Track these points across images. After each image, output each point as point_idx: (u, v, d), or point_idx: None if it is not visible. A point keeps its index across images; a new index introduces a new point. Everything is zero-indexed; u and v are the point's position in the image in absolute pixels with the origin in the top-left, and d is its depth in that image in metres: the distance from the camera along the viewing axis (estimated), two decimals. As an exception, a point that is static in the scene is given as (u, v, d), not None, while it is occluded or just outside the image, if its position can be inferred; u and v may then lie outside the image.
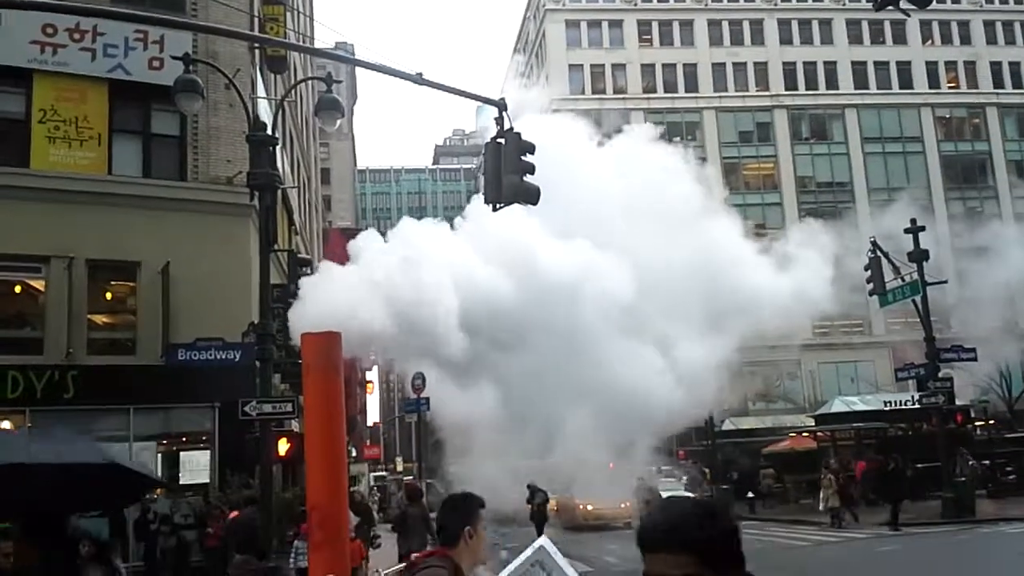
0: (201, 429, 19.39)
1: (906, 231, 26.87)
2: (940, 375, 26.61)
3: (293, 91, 28.81)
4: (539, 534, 21.13)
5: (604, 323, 18.76)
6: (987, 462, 30.50)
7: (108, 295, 19.99)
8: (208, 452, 19.19)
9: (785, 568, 17.42)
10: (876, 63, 61.52)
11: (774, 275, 21.69)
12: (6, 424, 18.12)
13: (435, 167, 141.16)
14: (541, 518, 25.42)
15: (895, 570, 17.13)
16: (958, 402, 31.05)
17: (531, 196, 12.73)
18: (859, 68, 61.38)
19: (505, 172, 12.62)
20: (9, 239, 17.95)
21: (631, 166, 21.24)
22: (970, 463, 27.63)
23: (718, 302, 20.79)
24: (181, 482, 19.48)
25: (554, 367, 18.20)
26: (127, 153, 19.95)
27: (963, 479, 25.57)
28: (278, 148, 17.20)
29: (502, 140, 12.88)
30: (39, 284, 18.74)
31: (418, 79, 13.57)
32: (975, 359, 28.74)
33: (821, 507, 26.89)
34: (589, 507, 30.70)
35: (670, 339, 20.29)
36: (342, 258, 17.24)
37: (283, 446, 17.09)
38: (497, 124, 13.37)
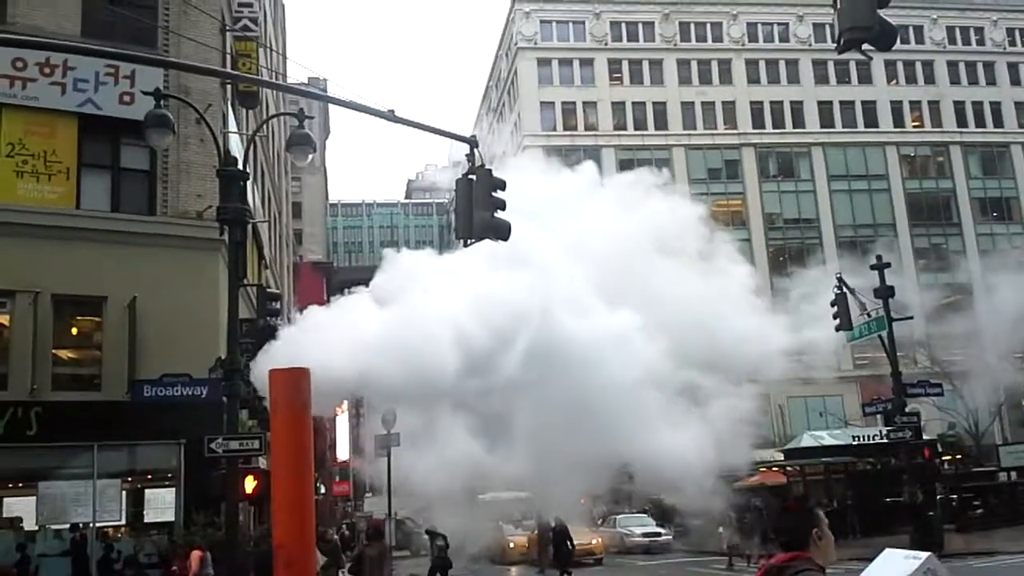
0: (167, 466, 19.11)
1: (872, 267, 27.23)
2: (907, 410, 26.88)
3: (265, 126, 28.84)
4: None
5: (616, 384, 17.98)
6: (954, 497, 30.72)
7: (74, 330, 19.75)
8: (173, 490, 18.90)
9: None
10: (842, 102, 62.72)
11: (759, 319, 21.36)
12: (-34, 461, 17.81)
13: (407, 201, 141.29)
14: (443, 564, 21.70)
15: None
16: (925, 436, 31.32)
17: (502, 232, 12.81)
18: (825, 107, 62.52)
19: (476, 208, 12.72)
20: (-27, 273, 17.74)
21: (628, 207, 20.82)
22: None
23: (714, 350, 20.18)
24: (146, 520, 19.20)
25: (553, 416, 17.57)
26: (96, 187, 19.81)
27: (931, 514, 25.75)
28: (249, 182, 17.19)
29: (473, 176, 12.99)
30: (3, 319, 18.49)
31: (391, 116, 13.67)
32: (941, 394, 29.13)
33: (724, 546, 27.14)
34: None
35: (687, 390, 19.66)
36: (313, 292, 17.25)
37: (250, 483, 16.82)
38: (468, 161, 13.49)
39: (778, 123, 62.09)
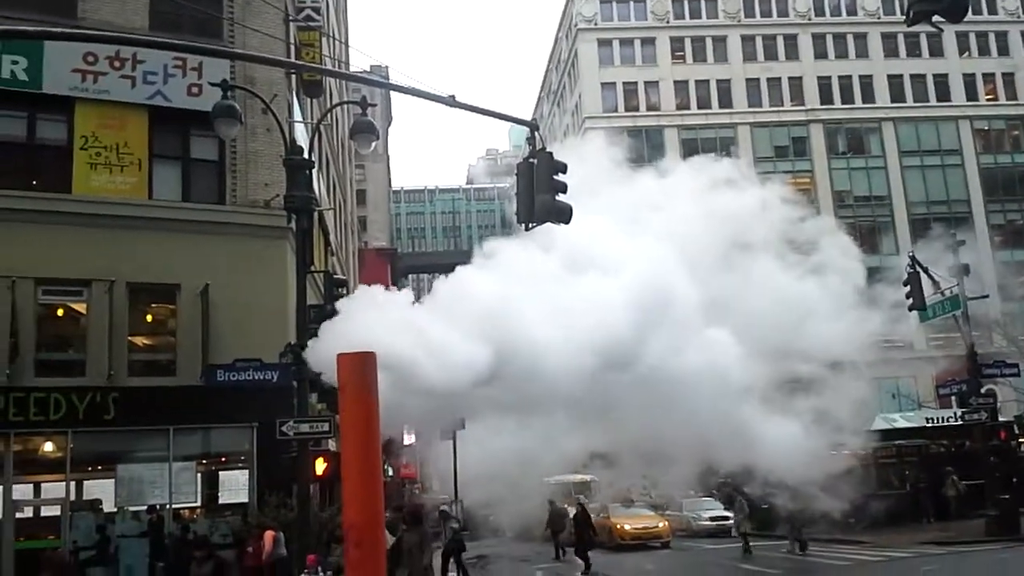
0: (240, 449, 19.58)
1: (946, 245, 26.52)
2: (983, 391, 26.16)
3: (329, 115, 29.17)
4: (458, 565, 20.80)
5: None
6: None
7: (148, 317, 20.30)
8: (247, 472, 19.37)
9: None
10: (913, 76, 61.00)
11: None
12: (49, 446, 18.44)
13: (469, 186, 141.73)
14: (457, 547, 21.18)
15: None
16: (1002, 418, 30.46)
17: (563, 215, 12.76)
18: (895, 81, 60.88)
19: (537, 191, 12.70)
20: (52, 263, 18.34)
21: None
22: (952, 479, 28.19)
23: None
24: (220, 502, 19.68)
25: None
26: (167, 178, 20.30)
27: (1007, 497, 25.05)
28: (314, 171, 17.43)
29: (534, 160, 12.96)
30: (81, 307, 19.09)
31: (451, 101, 13.70)
32: (1018, 374, 28.20)
33: (734, 532, 26.63)
34: (627, 526, 30.58)
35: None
36: (377, 278, 17.37)
37: (320, 465, 17.15)
38: (529, 144, 13.46)
39: (847, 98, 60.65)
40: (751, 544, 25.24)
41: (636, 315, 15.78)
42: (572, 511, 27.16)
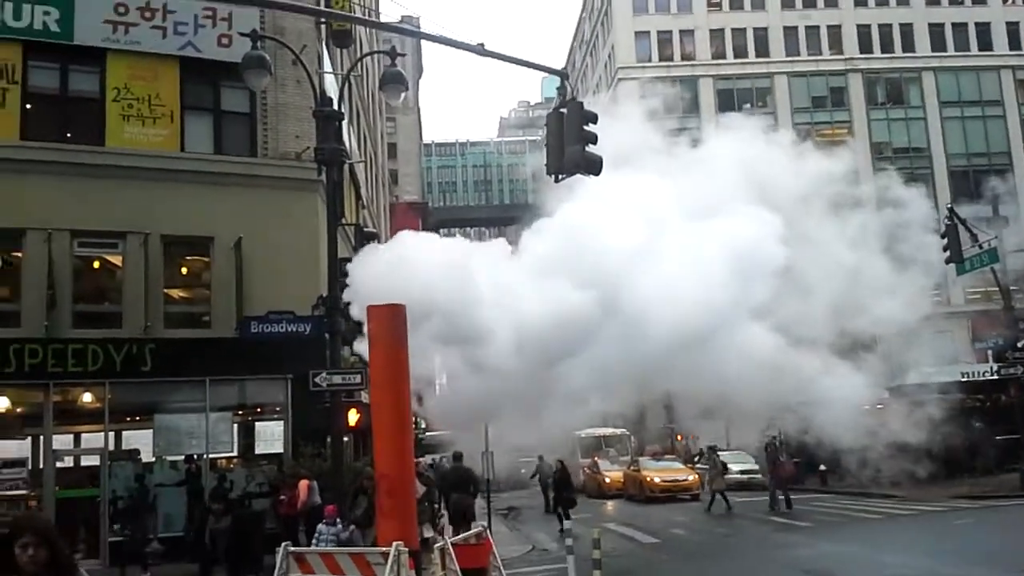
0: (274, 400, 19.81)
1: (985, 198, 26.02)
2: (1019, 345, 25.79)
3: (359, 65, 29.00)
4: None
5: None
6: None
7: (183, 270, 20.48)
8: (281, 423, 19.60)
9: (859, 540, 17.21)
10: (954, 24, 59.34)
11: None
12: (87, 396, 18.77)
13: (500, 139, 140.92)
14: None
15: (972, 542, 16.73)
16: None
17: (593, 166, 12.62)
18: (936, 30, 59.29)
19: (568, 142, 12.55)
20: (87, 216, 18.51)
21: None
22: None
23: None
24: (256, 452, 19.97)
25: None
26: (198, 130, 20.32)
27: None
28: (345, 123, 17.37)
29: (564, 110, 12.80)
30: (116, 259, 19.29)
31: (480, 50, 13.54)
32: (1057, 329, 27.73)
33: (706, 488, 26.52)
34: (656, 479, 30.73)
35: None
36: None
37: (353, 416, 17.34)
38: (559, 94, 13.29)
39: (887, 47, 59.21)
40: (729, 501, 25.09)
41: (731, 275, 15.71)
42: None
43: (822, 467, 32.64)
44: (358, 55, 27.72)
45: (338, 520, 13.80)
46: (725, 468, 26.49)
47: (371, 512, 13.77)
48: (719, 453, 27.61)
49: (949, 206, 25.41)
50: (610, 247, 15.44)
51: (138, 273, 18.77)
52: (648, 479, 30.74)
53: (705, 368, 17.01)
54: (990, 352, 29.23)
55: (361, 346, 14.41)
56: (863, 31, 59.29)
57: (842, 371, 18.48)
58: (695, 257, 15.90)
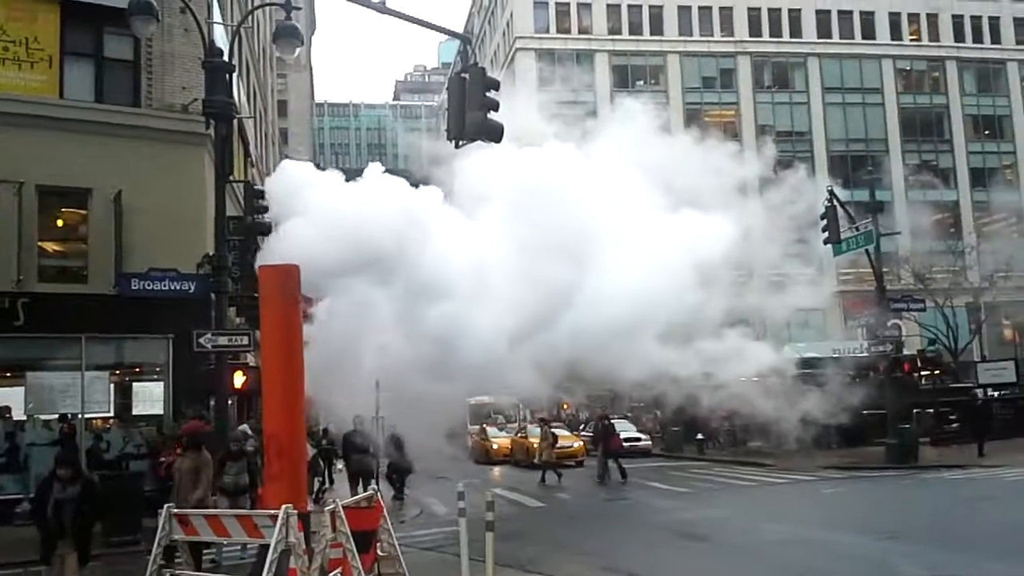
0: (155, 360, 19.20)
1: (860, 182, 27.20)
2: (889, 324, 27.19)
3: (250, 17, 28.11)
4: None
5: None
6: (931, 411, 31.31)
7: (59, 222, 19.53)
8: (162, 383, 19.03)
9: (734, 506, 17.92)
10: (840, 12, 61.58)
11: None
12: (-47, 349, 17.82)
13: (396, 103, 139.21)
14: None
15: (840, 510, 17.63)
16: (906, 352, 31.80)
17: (494, 133, 12.64)
18: (823, 16, 61.41)
19: (469, 108, 12.52)
20: (-45, 161, 17.44)
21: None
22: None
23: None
24: (134, 412, 19.36)
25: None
26: (79, 77, 19.35)
27: (907, 426, 26.30)
28: (234, 76, 16.81)
29: (466, 75, 12.74)
30: (-12, 209, 18.26)
31: (382, 7, 13.36)
32: (923, 309, 29.39)
33: (536, 460, 26.69)
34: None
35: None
36: None
37: (239, 379, 16.98)
38: (461, 59, 13.23)
39: (775, 31, 61.00)
40: (559, 472, 25.47)
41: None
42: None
43: (699, 436, 33.83)
44: (251, 6, 26.85)
45: None
46: (555, 440, 26.50)
47: (240, 480, 13.16)
48: (552, 425, 27.85)
49: (829, 188, 26.43)
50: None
51: (11, 224, 17.79)
52: (534, 446, 31.18)
53: (626, 351, 17.67)
54: (861, 330, 30.63)
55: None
56: (753, 14, 60.90)
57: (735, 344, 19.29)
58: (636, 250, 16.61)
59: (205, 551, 11.55)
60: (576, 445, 31.87)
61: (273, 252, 14.38)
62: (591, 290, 17.31)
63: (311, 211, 15.36)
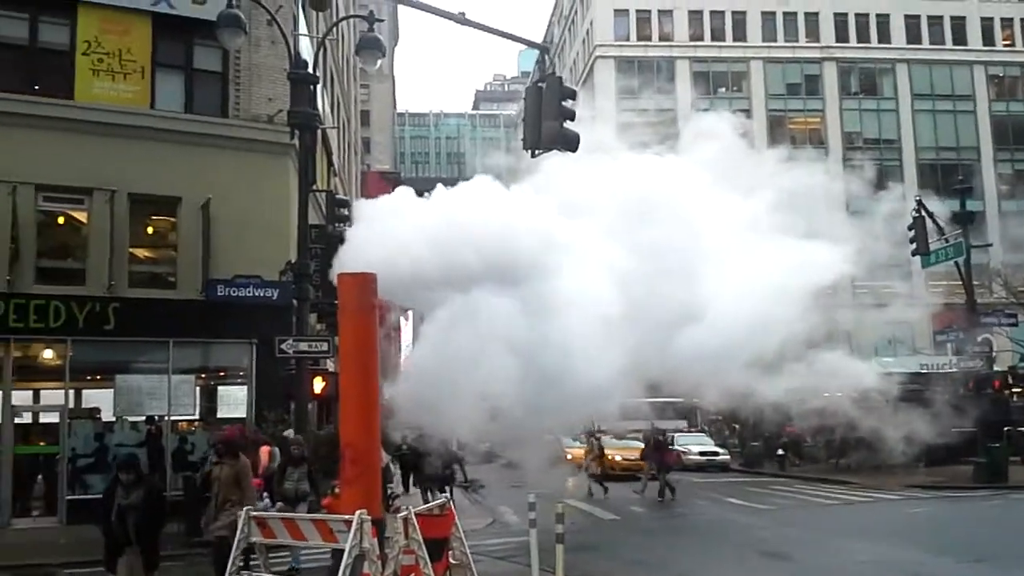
0: (238, 365, 19.64)
1: (951, 191, 26.34)
2: (979, 339, 26.24)
3: (335, 29, 28.63)
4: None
5: None
6: (1022, 429, 30.08)
7: (149, 229, 20.15)
8: (245, 387, 19.46)
9: (816, 525, 17.49)
10: (930, 17, 59.86)
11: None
12: (48, 353, 18.50)
13: (475, 112, 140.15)
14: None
15: (925, 530, 17.05)
16: (996, 368, 30.62)
17: (570, 143, 12.59)
18: (912, 22, 59.77)
19: (545, 117, 12.50)
20: (53, 170, 18.13)
21: None
22: None
23: None
24: (218, 416, 19.82)
25: None
26: (170, 88, 19.94)
27: (996, 445, 25.34)
28: (319, 87, 17.16)
29: (543, 84, 12.73)
30: (82, 216, 18.93)
31: (461, 19, 13.47)
32: (1016, 324, 28.28)
33: (583, 470, 25.32)
34: (617, 457, 30.93)
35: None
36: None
37: (318, 384, 17.27)
38: (539, 68, 13.23)
39: (863, 37, 59.59)
40: (605, 484, 24.69)
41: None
42: None
43: (780, 452, 33.14)
44: (335, 18, 27.38)
45: (264, 495, 13.45)
46: (601, 452, 25.74)
47: (301, 486, 12.89)
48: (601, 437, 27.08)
49: (917, 198, 25.66)
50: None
51: (103, 230, 18.45)
52: (610, 457, 30.92)
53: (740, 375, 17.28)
54: (950, 345, 29.64)
55: None
56: (840, 20, 59.63)
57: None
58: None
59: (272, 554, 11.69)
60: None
61: (360, 260, 14.05)
62: (712, 312, 16.75)
63: (410, 218, 15.04)
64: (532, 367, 14.29)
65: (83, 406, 18.99)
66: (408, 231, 12.64)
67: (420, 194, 13.92)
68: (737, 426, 39.85)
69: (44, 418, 18.67)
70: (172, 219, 19.67)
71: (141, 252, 19.82)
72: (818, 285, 18.23)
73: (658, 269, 15.71)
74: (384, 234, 13.10)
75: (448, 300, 13.81)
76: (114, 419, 18.70)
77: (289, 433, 14.97)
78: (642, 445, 32.47)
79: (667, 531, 17.34)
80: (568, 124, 12.54)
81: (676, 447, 35.52)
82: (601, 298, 15.28)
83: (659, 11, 59.86)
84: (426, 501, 20.33)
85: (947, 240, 25.48)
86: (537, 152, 13.00)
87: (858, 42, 59.47)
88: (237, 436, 13.35)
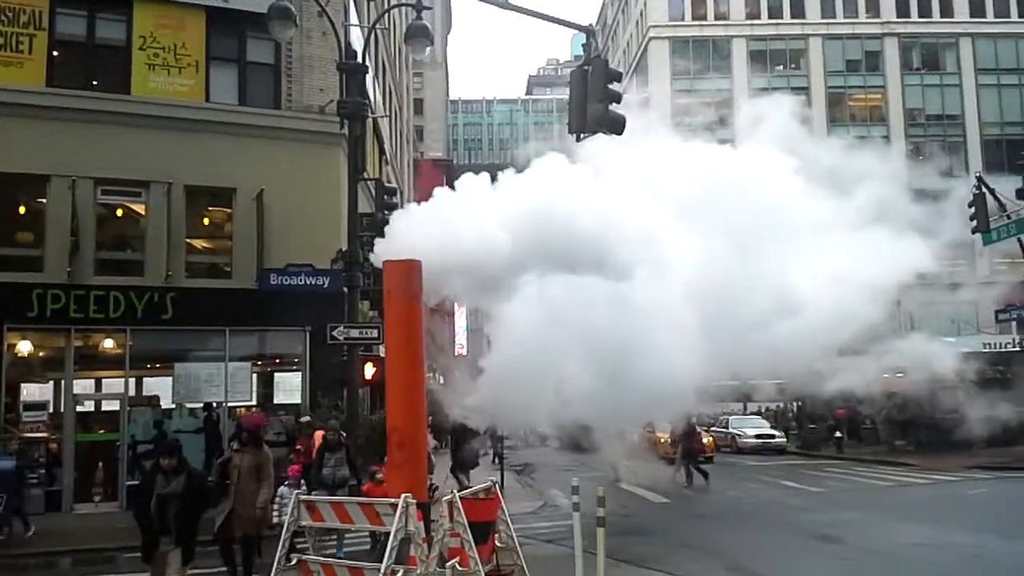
0: (293, 352, 20.00)
1: (1015, 167, 25.60)
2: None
3: (385, 19, 28.80)
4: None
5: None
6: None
7: (205, 220, 20.58)
8: (300, 374, 19.80)
9: (871, 507, 17.24)
10: (995, -11, 57.99)
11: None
12: (108, 342, 19.02)
13: (527, 98, 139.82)
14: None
15: (982, 512, 16.70)
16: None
17: (616, 126, 12.49)
18: (976, -6, 57.98)
19: (591, 100, 12.42)
20: (111, 164, 18.63)
21: None
22: None
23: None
24: (275, 401, 20.21)
25: None
26: (223, 81, 20.30)
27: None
28: (369, 77, 17.29)
29: (588, 67, 12.66)
30: (140, 208, 19.41)
31: (505, 4, 13.43)
32: (1082, 302, 27.39)
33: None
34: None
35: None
36: (432, 189, 16.66)
37: (369, 370, 17.50)
38: (585, 51, 13.14)
39: (924, 11, 57.97)
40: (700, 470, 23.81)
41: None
42: None
43: (838, 434, 32.69)
44: (385, 7, 27.53)
45: (302, 482, 13.53)
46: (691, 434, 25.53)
47: (338, 472, 12.98)
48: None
49: (978, 174, 24.99)
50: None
51: (161, 222, 18.91)
52: (661, 440, 30.76)
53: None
54: (1014, 324, 28.87)
55: None
56: (901, -6, 58.09)
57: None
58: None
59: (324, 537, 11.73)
60: (706, 441, 31.26)
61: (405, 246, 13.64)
62: (790, 304, 16.45)
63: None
64: (610, 366, 14.13)
65: (143, 394, 19.50)
66: (477, 216, 12.14)
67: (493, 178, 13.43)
68: (795, 408, 39.39)
69: (106, 406, 19.24)
70: (227, 210, 20.06)
71: (197, 243, 20.26)
72: (901, 280, 17.98)
73: (747, 260, 15.49)
74: (441, 221, 12.62)
75: (523, 294, 13.28)
76: (173, 406, 19.19)
77: (329, 421, 14.99)
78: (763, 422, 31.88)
79: (717, 514, 17.25)
80: (615, 107, 12.47)
81: (730, 429, 35.26)
82: (682, 296, 14.97)
83: (715, -10, 58.98)
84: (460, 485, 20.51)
85: (1008, 217, 24.79)
86: (583, 136, 12.94)
87: (920, 16, 57.87)
88: (262, 424, 12.90)
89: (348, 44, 17.63)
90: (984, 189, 24.38)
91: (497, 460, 22.33)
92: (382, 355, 18.17)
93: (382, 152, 29.14)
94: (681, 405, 18.51)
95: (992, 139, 55.57)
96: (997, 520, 15.43)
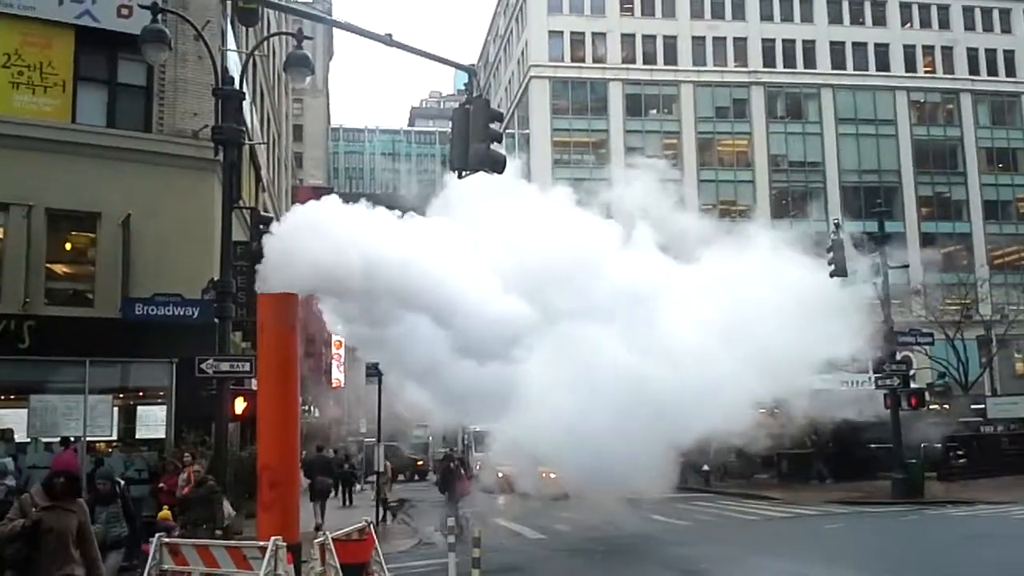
0: (158, 384, 19.21)
1: (871, 214, 27.14)
2: (898, 357, 27.00)
3: (266, 46, 28.40)
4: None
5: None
6: (938, 445, 31.01)
7: (68, 245, 19.66)
8: (165, 407, 19.04)
9: (736, 541, 17.75)
10: (854, 43, 61.77)
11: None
12: (-41, 372, 17.89)
13: (410, 129, 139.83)
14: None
15: (840, 546, 17.44)
16: (914, 385, 31.51)
17: (497, 165, 12.66)
18: (837, 48, 61.59)
19: (472, 139, 12.55)
20: (-33, 184, 17.63)
21: None
22: None
23: None
24: (137, 436, 19.37)
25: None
26: (92, 102, 19.54)
27: (913, 461, 26.09)
28: (247, 103, 16.97)
29: (470, 106, 12.80)
30: (-3, 231, 18.43)
31: (388, 40, 13.46)
32: (932, 343, 29.17)
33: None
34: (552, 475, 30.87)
35: None
36: None
37: (240, 405, 16.97)
38: (467, 90, 13.28)
39: (789, 62, 61.18)
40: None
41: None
42: None
43: (705, 467, 33.57)
44: (265, 33, 27.14)
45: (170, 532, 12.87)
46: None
47: (111, 529, 10.33)
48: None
49: (836, 221, 26.36)
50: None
51: (20, 246, 17.94)
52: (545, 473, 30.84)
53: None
54: (869, 363, 30.45)
55: None
56: (767, 45, 61.13)
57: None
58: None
59: None
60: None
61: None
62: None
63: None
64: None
65: (-4, 426, 18.39)
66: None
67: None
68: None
69: (-46, 439, 18.03)
70: (92, 235, 19.21)
71: (59, 269, 19.32)
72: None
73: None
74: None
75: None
76: (28, 440, 18.15)
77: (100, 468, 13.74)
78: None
79: (589, 550, 17.42)
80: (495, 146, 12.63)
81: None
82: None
83: (592, 33, 60.65)
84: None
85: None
86: (465, 173, 13.04)
87: (785, 67, 61.01)
88: (76, 466, 11.14)
89: (225, 69, 17.29)
90: (841, 235, 25.70)
91: (375, 496, 21.96)
92: (255, 388, 17.71)
93: (259, 179, 28.57)
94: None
95: (850, 186, 58.84)
96: (853, 553, 16.16)
